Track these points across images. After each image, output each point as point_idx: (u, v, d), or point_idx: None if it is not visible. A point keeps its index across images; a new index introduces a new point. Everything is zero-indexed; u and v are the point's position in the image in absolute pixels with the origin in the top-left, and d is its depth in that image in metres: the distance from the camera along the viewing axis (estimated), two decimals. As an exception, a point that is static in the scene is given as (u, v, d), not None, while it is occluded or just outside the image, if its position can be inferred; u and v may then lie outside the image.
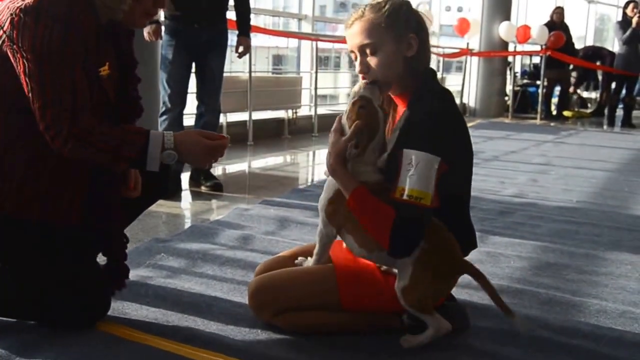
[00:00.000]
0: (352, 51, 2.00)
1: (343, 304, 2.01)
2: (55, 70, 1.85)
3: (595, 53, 11.65)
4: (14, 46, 1.83)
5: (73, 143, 1.86)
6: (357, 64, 2.00)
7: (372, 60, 1.94)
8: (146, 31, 3.97)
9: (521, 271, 2.80)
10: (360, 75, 2.01)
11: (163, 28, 4.11)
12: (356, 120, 1.90)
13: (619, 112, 10.69)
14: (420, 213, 1.81)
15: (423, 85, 1.96)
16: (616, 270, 2.87)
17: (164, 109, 4.20)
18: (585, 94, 13.80)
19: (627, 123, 10.32)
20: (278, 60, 12.89)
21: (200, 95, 4.37)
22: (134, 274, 2.54)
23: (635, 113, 10.99)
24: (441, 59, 11.00)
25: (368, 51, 1.94)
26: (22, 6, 1.83)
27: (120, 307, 2.23)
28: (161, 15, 4.11)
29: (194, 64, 4.28)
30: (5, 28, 1.84)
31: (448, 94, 1.99)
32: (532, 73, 12.68)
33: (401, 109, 2.03)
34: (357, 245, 1.96)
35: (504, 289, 2.51)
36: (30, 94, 1.85)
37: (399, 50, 1.94)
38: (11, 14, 1.83)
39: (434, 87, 1.98)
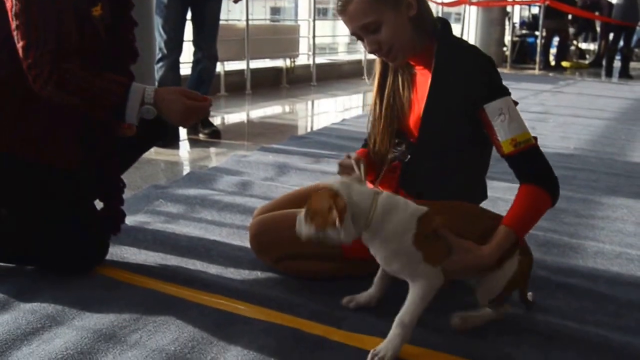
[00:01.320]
0: (354, 33, 1.91)
1: (345, 254, 2.00)
2: (41, 10, 1.82)
3: (594, 4, 11.53)
4: None
5: (53, 86, 1.84)
6: (365, 45, 1.90)
7: (380, 36, 1.85)
8: (140, -25, 3.90)
9: (519, 215, 2.79)
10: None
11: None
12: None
13: (617, 64, 10.64)
14: (539, 152, 1.82)
15: (443, 38, 1.89)
16: (613, 214, 2.89)
17: (160, 55, 4.15)
18: (583, 45, 13.73)
19: (625, 74, 10.29)
20: (275, 11, 12.76)
21: (196, 41, 4.32)
22: (132, 220, 2.54)
23: (633, 64, 10.94)
24: (440, 8, 10.87)
25: (372, 29, 1.84)
26: None
27: (118, 252, 2.24)
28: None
29: (189, 10, 4.21)
30: None
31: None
32: (530, 23, 12.58)
33: (420, 70, 1.96)
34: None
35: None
36: (15, 32, 1.83)
37: (401, 15, 1.83)
38: None
39: (457, 40, 1.94)
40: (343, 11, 1.85)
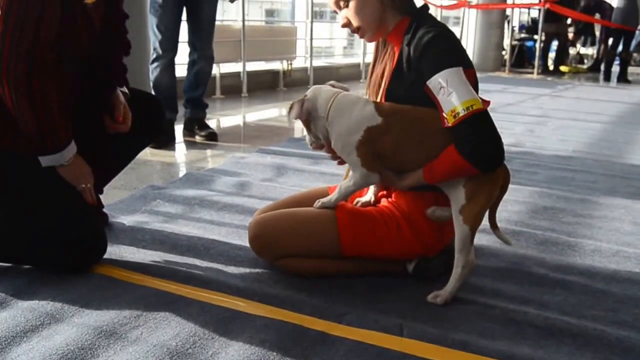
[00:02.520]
0: (334, 10, 2.05)
1: (344, 253, 2.02)
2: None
3: (597, 5, 11.56)
4: None
5: (24, 71, 1.84)
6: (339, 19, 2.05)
7: (349, 12, 1.98)
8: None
9: (518, 214, 2.83)
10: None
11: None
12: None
13: (615, 68, 10.67)
14: (480, 119, 1.78)
15: (415, 20, 1.95)
16: (610, 214, 2.91)
17: (154, 55, 4.11)
18: (582, 50, 13.78)
19: (623, 78, 10.32)
20: (270, 14, 12.76)
21: (192, 41, 4.27)
22: (130, 220, 2.55)
23: (630, 69, 10.97)
24: (439, 11, 10.89)
25: (342, 4, 1.99)
26: None
27: (117, 251, 2.24)
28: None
29: (185, 9, 4.17)
30: None
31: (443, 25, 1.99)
32: (530, 27, 12.62)
33: (394, 47, 2.03)
34: (401, 178, 1.95)
35: (502, 230, 2.52)
36: None
37: None
38: None
39: (427, 19, 1.96)
40: None
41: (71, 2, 1.94)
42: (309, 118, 1.98)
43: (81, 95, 2.15)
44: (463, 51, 1.91)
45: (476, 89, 1.86)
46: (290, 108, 1.97)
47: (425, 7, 2.03)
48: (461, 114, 1.76)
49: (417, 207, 1.99)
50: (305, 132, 2.07)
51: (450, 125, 1.78)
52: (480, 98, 1.80)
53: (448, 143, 1.82)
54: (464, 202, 1.86)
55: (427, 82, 1.82)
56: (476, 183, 1.85)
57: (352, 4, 1.96)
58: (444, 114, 1.79)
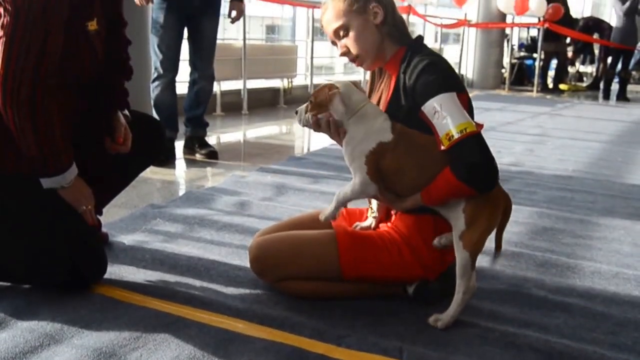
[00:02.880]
0: (332, 41, 2.09)
1: (344, 276, 2.03)
2: (29, 24, 1.84)
3: (596, 24, 11.64)
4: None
5: (28, 97, 1.85)
6: (338, 48, 2.09)
7: (348, 40, 2.03)
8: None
9: (518, 235, 2.83)
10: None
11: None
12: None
13: (614, 86, 10.71)
14: (474, 141, 1.81)
15: (410, 50, 2.00)
16: (610, 235, 2.92)
17: (155, 75, 4.12)
18: (581, 69, 13.83)
19: (622, 96, 10.35)
20: (271, 30, 12.82)
21: (193, 61, 4.29)
22: (130, 239, 2.56)
23: (630, 87, 11.00)
24: (439, 29, 10.94)
25: (341, 34, 2.03)
26: None
27: (116, 271, 2.23)
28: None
29: (185, 29, 4.18)
30: None
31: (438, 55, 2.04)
32: (529, 46, 12.68)
33: (391, 76, 2.06)
34: (401, 200, 1.96)
35: (501, 252, 2.53)
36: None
37: (367, 21, 2.01)
38: None
39: (422, 49, 2.01)
40: (322, 19, 2.08)
41: (74, 28, 1.96)
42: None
43: (82, 118, 2.16)
44: (456, 77, 1.95)
45: (470, 112, 1.89)
46: (320, 90, 1.95)
47: (420, 37, 2.08)
48: (455, 137, 1.80)
49: (418, 230, 2.00)
50: (301, 113, 2.00)
51: (445, 148, 1.82)
52: (474, 121, 1.84)
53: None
54: (464, 228, 1.86)
55: (422, 108, 1.86)
56: (476, 209, 1.85)
57: (351, 33, 2.01)
58: (439, 138, 1.83)
